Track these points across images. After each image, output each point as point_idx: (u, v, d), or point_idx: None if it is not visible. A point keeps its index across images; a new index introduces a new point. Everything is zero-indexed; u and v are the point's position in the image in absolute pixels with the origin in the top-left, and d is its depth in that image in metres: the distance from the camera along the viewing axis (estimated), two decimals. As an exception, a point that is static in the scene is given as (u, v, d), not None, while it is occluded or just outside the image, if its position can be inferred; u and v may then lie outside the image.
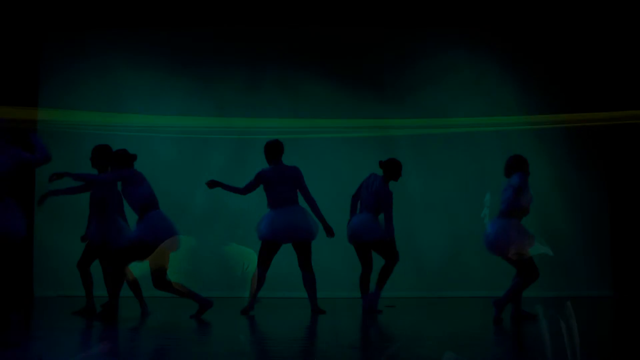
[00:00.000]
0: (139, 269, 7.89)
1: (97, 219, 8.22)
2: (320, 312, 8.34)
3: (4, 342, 6.23)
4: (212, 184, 8.39)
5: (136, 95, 10.94)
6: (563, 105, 10.90)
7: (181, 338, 6.67)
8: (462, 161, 11.00)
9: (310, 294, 8.43)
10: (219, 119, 10.64)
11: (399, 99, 11.02)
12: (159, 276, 7.72)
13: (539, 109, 10.97)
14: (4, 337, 6.54)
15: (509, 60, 11.18)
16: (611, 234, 10.97)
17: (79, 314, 8.22)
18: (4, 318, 7.44)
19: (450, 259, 10.87)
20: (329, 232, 8.45)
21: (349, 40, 11.10)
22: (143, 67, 11.00)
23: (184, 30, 11.05)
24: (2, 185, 7.41)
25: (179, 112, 11.02)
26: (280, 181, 8.32)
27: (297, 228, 8.27)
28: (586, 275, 10.75)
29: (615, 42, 10.93)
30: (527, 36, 11.16)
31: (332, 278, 10.23)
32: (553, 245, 7.88)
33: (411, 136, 10.95)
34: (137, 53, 11.06)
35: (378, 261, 8.66)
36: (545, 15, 10.87)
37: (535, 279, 7.64)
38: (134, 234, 7.78)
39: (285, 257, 8.63)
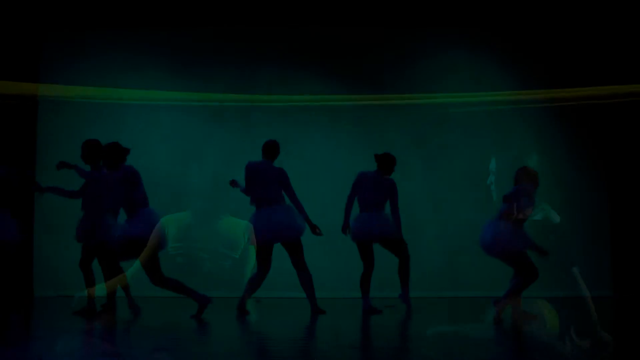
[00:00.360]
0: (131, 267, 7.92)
1: (88, 216, 8.21)
2: (320, 312, 8.33)
3: (4, 342, 6.24)
4: (233, 183, 8.45)
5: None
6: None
7: (181, 338, 6.67)
8: (462, 160, 10.98)
9: (308, 293, 8.42)
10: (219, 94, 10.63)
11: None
12: (154, 273, 7.71)
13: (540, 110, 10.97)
14: (4, 337, 6.54)
15: (509, 60, 11.16)
16: (611, 234, 10.97)
17: (79, 314, 8.21)
18: (4, 318, 7.44)
19: (450, 259, 10.86)
20: (316, 231, 8.45)
21: (349, 40, 11.09)
22: (143, 67, 11.00)
23: (184, 31, 11.04)
24: None
25: (180, 112, 11.05)
26: (266, 179, 8.31)
27: (284, 227, 8.26)
28: (586, 275, 10.71)
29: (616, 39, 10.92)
30: (527, 35, 11.13)
31: (332, 278, 10.24)
32: (553, 245, 7.91)
33: (410, 135, 10.97)
34: (137, 53, 11.05)
35: (378, 260, 8.68)
36: (545, 13, 10.86)
37: (535, 279, 7.65)
38: (131, 231, 7.74)
39: (285, 256, 8.62)
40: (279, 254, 8.50)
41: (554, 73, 11.05)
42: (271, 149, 8.47)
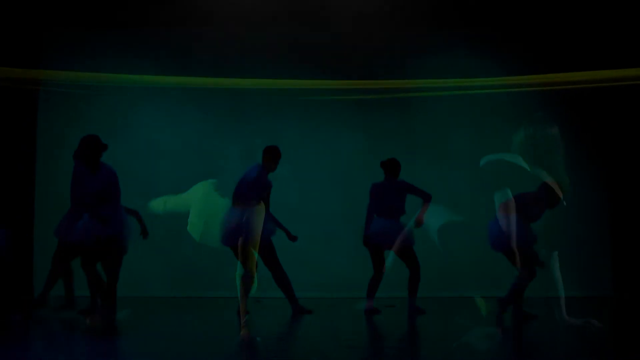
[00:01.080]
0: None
1: (73, 215, 8.08)
2: (304, 312, 8.30)
3: (4, 342, 6.24)
4: None
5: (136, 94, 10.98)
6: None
7: (180, 338, 6.67)
8: (463, 159, 10.97)
9: (286, 293, 8.38)
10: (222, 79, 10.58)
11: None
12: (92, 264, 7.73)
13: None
14: (4, 337, 6.54)
15: (504, 45, 11.12)
16: (611, 234, 10.97)
17: (83, 314, 8.20)
18: (4, 318, 7.45)
19: (450, 259, 10.84)
20: (291, 237, 8.46)
21: (351, 41, 11.08)
22: (143, 68, 10.99)
23: (185, 30, 11.04)
24: None
25: (181, 112, 11.06)
26: (253, 183, 8.23)
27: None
28: (586, 275, 10.74)
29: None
30: (520, 19, 11.07)
31: (332, 278, 10.25)
32: (553, 245, 7.93)
33: (414, 136, 10.98)
34: (138, 53, 11.03)
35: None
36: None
37: (533, 277, 7.73)
38: (107, 229, 7.70)
39: (284, 256, 8.61)
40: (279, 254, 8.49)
41: (551, 57, 10.96)
42: (266, 155, 8.33)
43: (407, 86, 10.24)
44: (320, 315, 8.35)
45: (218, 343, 6.48)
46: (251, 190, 8.19)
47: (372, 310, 8.54)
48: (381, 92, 10.37)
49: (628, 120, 10.80)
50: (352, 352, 5.95)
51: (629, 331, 7.38)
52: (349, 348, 6.13)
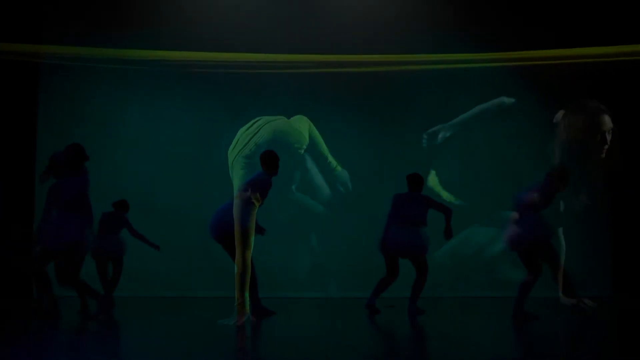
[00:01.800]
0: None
1: (45, 220, 7.98)
2: (268, 314, 8.24)
3: (5, 341, 6.26)
4: None
5: (136, 90, 11.00)
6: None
7: (181, 338, 6.68)
8: (468, 159, 10.97)
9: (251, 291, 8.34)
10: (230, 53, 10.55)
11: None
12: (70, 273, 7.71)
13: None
14: (4, 337, 6.56)
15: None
16: (611, 234, 10.97)
17: (82, 314, 8.20)
18: (4, 318, 7.46)
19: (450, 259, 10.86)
20: (259, 230, 8.41)
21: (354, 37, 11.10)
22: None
23: (185, 29, 11.05)
24: None
25: (181, 108, 11.07)
26: (250, 183, 8.17)
27: (218, 224, 8.09)
28: (586, 275, 10.74)
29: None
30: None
31: (333, 279, 10.26)
32: (558, 222, 8.05)
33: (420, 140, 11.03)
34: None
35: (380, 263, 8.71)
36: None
37: (539, 276, 7.84)
38: (77, 236, 7.67)
39: (280, 256, 8.61)
40: (276, 253, 8.49)
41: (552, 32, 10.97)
42: (261, 161, 8.26)
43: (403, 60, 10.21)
44: (320, 315, 8.34)
45: (218, 343, 6.48)
46: (245, 188, 8.18)
47: (372, 308, 8.57)
48: (359, 65, 10.38)
49: (628, 117, 10.78)
50: (352, 352, 5.96)
51: (629, 331, 7.38)
52: (349, 348, 6.14)
